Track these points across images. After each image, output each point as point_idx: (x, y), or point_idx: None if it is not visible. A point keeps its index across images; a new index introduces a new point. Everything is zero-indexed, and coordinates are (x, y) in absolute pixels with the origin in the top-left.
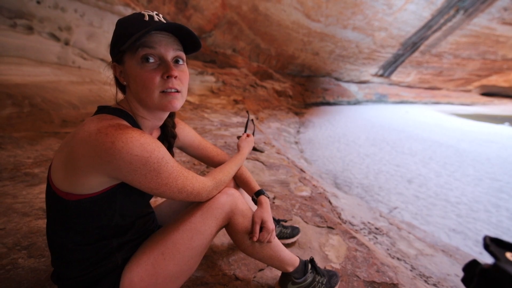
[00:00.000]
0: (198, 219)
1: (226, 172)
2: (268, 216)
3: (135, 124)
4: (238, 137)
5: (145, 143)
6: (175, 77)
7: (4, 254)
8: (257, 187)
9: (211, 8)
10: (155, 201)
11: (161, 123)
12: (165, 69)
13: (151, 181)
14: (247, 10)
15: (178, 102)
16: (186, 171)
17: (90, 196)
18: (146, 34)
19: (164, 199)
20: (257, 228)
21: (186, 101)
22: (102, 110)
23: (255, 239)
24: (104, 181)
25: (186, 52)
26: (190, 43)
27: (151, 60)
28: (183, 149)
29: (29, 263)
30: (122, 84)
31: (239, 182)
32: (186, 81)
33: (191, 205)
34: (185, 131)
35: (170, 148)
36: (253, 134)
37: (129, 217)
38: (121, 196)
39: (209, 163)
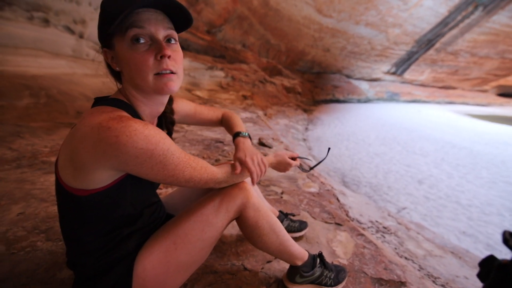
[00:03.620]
0: (210, 211)
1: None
2: (242, 154)
3: (136, 114)
4: (298, 159)
5: (149, 135)
6: (169, 57)
7: (24, 236)
8: (236, 130)
9: (222, 2)
10: (166, 191)
11: (162, 108)
12: (158, 49)
13: (158, 173)
14: (258, 4)
15: (175, 84)
16: (194, 161)
17: (102, 189)
18: (133, 12)
19: (175, 187)
20: (238, 169)
21: (195, 96)
22: (100, 102)
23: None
24: (113, 174)
25: (177, 31)
26: (181, 19)
27: (142, 40)
28: (182, 122)
29: (47, 246)
30: (115, 70)
31: (225, 127)
32: (181, 61)
33: (203, 196)
34: (181, 105)
35: (169, 135)
36: (309, 169)
37: (139, 206)
38: (131, 186)
39: (210, 124)
